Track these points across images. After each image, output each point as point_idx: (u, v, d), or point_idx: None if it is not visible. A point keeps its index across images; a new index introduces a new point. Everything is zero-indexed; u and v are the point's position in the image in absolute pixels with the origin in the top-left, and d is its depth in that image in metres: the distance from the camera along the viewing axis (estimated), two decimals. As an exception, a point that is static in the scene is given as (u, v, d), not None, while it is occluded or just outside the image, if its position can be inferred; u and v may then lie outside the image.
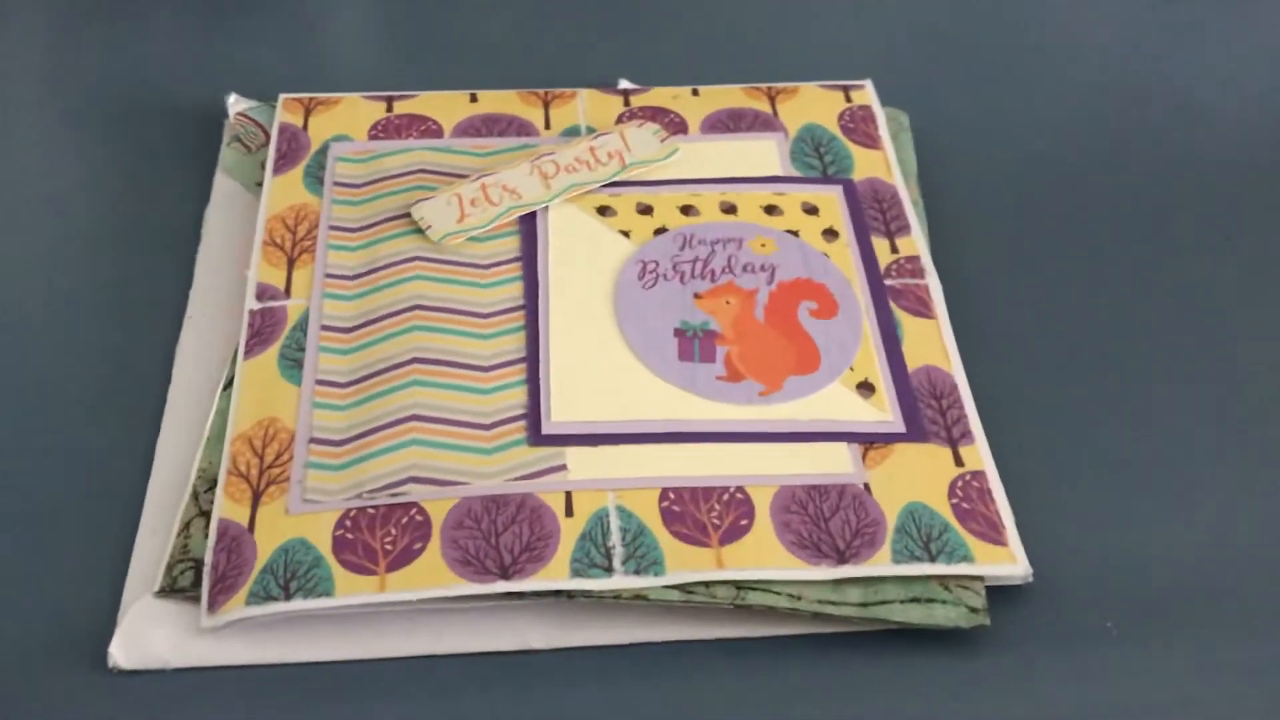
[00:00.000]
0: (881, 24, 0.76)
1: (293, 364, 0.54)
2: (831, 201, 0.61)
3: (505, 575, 0.47)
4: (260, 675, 0.47)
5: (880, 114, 0.66)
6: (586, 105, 0.66)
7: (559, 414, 0.52)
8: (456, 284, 0.57)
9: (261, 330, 0.55)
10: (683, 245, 0.59)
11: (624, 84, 0.68)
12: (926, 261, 0.59)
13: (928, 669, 0.48)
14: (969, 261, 0.61)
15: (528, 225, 0.59)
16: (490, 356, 0.54)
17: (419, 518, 0.49)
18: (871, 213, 0.61)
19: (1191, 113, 0.70)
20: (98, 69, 0.71)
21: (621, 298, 0.57)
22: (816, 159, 0.63)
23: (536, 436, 0.51)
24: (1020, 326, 0.59)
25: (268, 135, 0.64)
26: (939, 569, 0.48)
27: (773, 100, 0.66)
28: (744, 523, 0.49)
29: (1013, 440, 0.53)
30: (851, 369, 0.54)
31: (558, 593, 0.47)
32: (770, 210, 0.60)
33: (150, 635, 0.47)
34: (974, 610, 0.48)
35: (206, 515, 0.50)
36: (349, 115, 0.65)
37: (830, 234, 0.60)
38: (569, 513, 0.49)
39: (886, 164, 0.63)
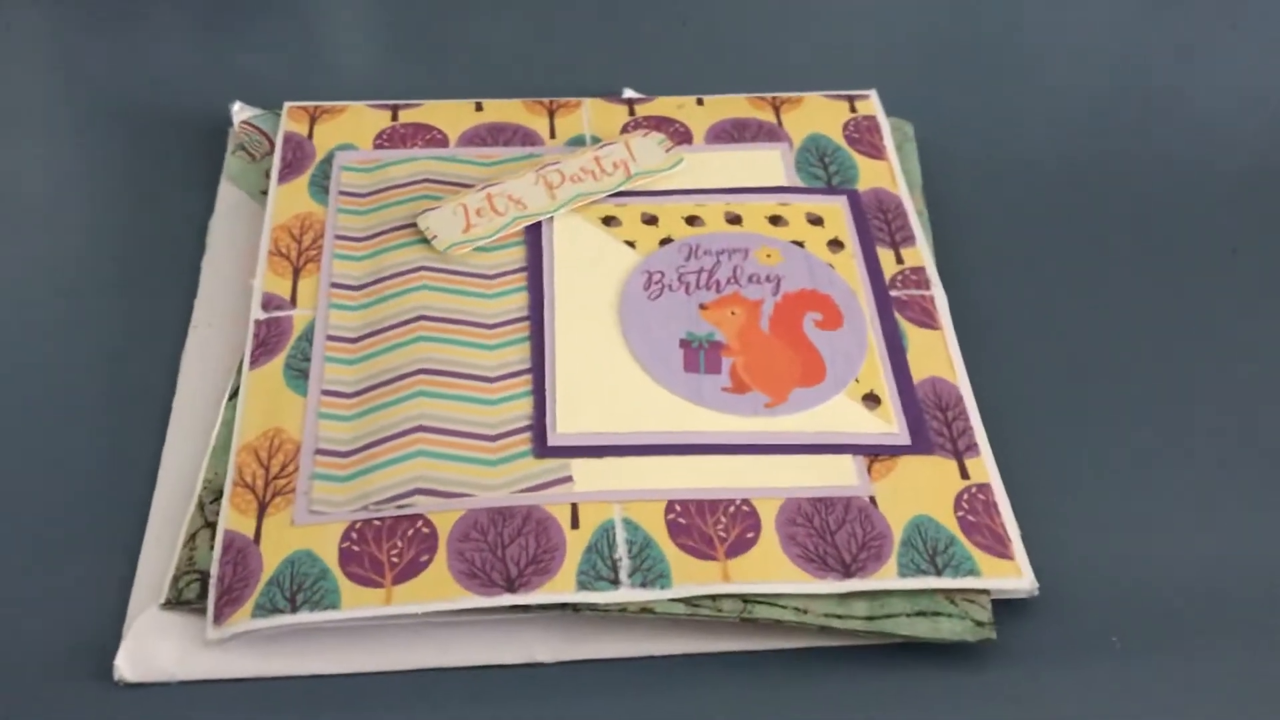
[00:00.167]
0: (886, 34, 0.76)
1: (298, 374, 0.54)
2: (836, 212, 0.61)
3: (511, 588, 0.47)
4: (266, 688, 0.47)
5: (885, 124, 0.66)
6: (591, 114, 0.66)
7: (564, 425, 0.52)
8: (462, 294, 0.57)
9: (267, 340, 0.55)
10: (688, 256, 0.59)
11: (628, 93, 0.68)
12: (931, 272, 0.59)
13: (934, 682, 0.48)
14: (973, 272, 0.61)
15: (533, 235, 0.59)
16: (495, 367, 0.54)
17: (425, 530, 0.49)
18: (876, 223, 0.61)
19: (1196, 122, 0.70)
20: (102, 77, 0.71)
21: (627, 308, 0.57)
22: (821, 169, 0.63)
23: (542, 448, 0.51)
24: (1025, 338, 0.59)
25: (272, 144, 0.64)
26: (945, 583, 0.48)
27: (777, 110, 0.66)
28: (750, 535, 0.49)
29: (1017, 452, 0.53)
30: (857, 380, 0.54)
31: (564, 605, 0.47)
32: (775, 221, 0.60)
33: (156, 647, 0.47)
34: (980, 624, 0.48)
35: (212, 527, 0.50)
36: (354, 124, 0.65)
37: (835, 244, 0.60)
38: (575, 525, 0.49)
39: (891, 174, 0.63)
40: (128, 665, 0.47)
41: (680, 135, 0.64)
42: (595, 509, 0.50)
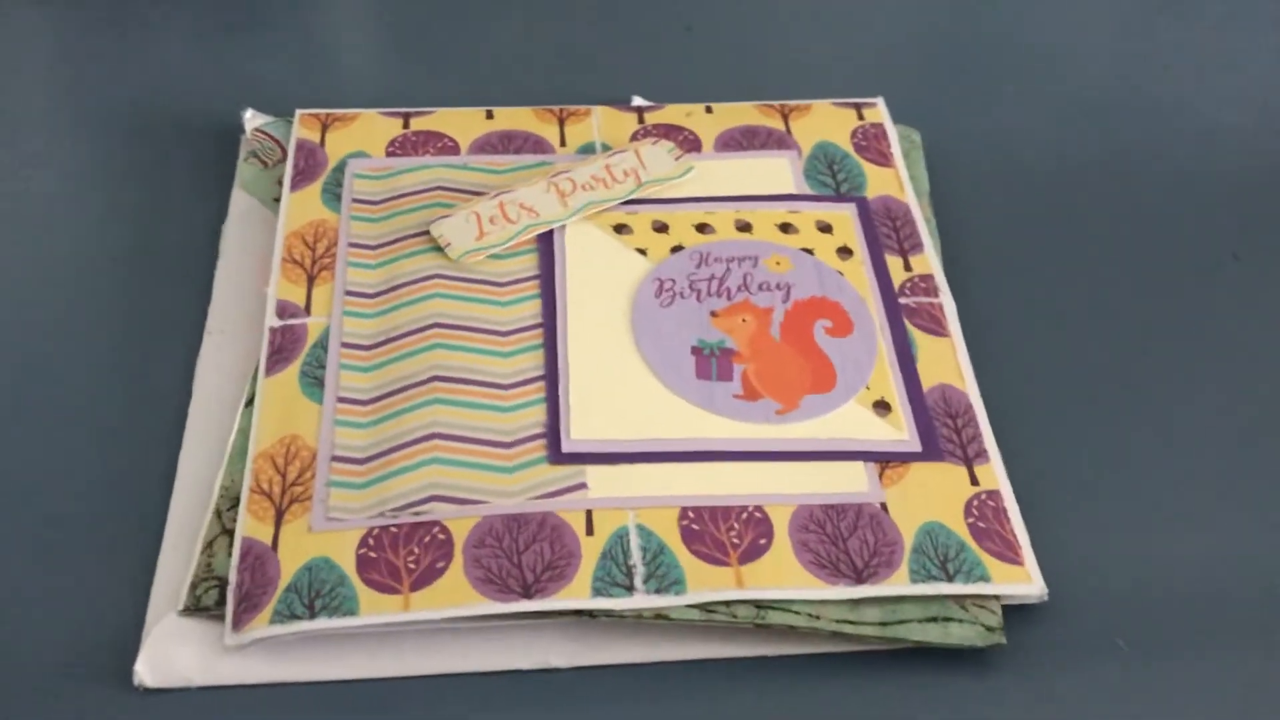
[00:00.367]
0: (893, 41, 0.76)
1: (314, 381, 0.55)
2: (845, 219, 0.62)
3: (528, 594, 0.48)
4: (285, 693, 0.47)
5: (892, 131, 0.66)
6: (601, 122, 0.66)
7: (578, 432, 0.53)
8: (476, 301, 0.57)
9: (282, 348, 0.56)
10: (699, 263, 0.59)
11: (638, 101, 0.68)
12: (940, 280, 0.60)
13: (945, 687, 0.48)
14: (981, 279, 0.61)
15: (545, 243, 0.60)
16: (510, 374, 0.55)
17: (441, 536, 0.49)
18: (885, 230, 0.61)
19: (1201, 128, 0.70)
20: (113, 85, 0.71)
21: (639, 316, 0.57)
22: (830, 177, 0.64)
23: (557, 455, 0.52)
24: (1033, 344, 0.59)
25: (284, 151, 0.65)
26: (956, 589, 0.49)
27: (785, 118, 0.67)
28: (763, 542, 0.50)
29: (1027, 458, 0.54)
30: (867, 388, 0.55)
31: (579, 611, 0.48)
32: (785, 228, 0.61)
33: (175, 653, 0.48)
34: (990, 629, 0.48)
35: (230, 533, 0.51)
36: (366, 131, 0.65)
37: (844, 252, 0.60)
38: (589, 531, 0.50)
39: (899, 181, 0.64)
40: (147, 671, 0.47)
41: (689, 143, 0.65)
42: (609, 515, 0.50)
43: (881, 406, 0.54)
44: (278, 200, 0.62)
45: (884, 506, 0.51)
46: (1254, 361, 0.59)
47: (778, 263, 0.59)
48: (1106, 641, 0.49)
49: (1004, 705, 0.48)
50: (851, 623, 0.48)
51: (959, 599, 0.49)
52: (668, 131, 0.65)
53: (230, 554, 0.50)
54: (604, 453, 0.52)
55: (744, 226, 0.61)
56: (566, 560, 0.49)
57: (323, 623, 0.47)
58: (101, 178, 0.67)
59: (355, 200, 0.62)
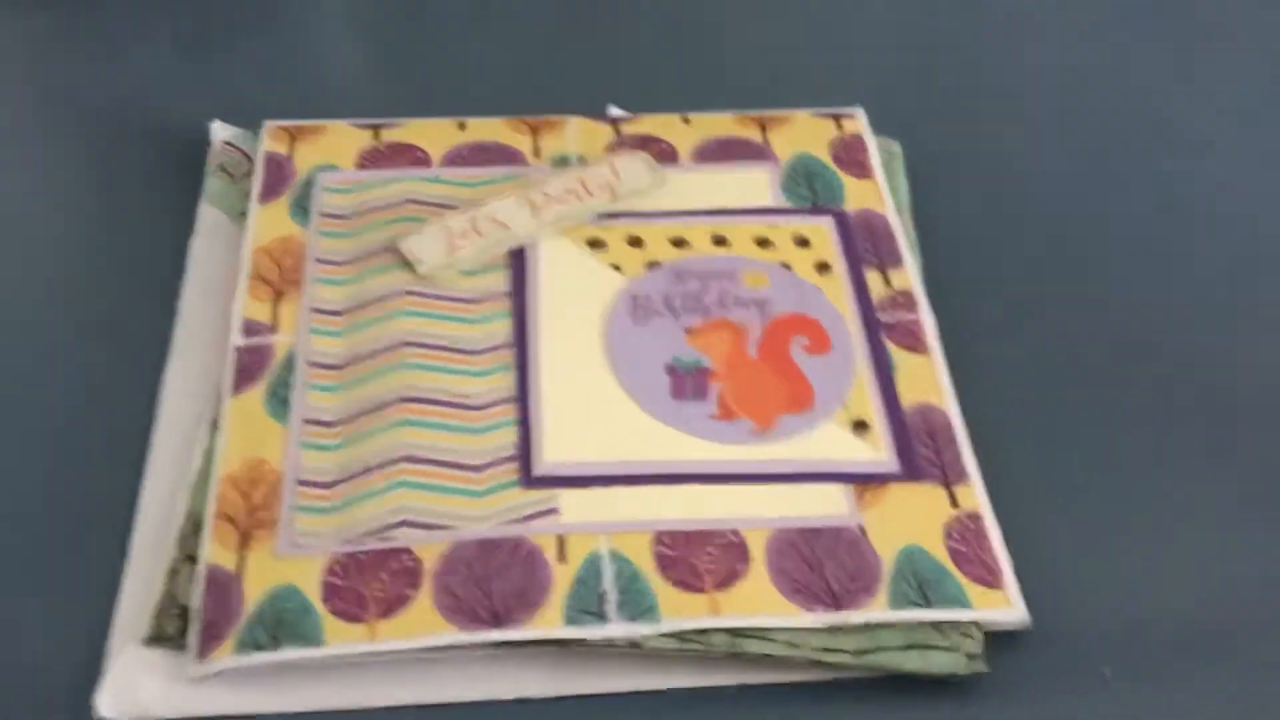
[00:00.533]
0: (873, 51, 0.75)
1: (281, 402, 0.53)
2: (823, 233, 0.61)
3: (498, 623, 0.47)
4: (250, 726, 0.46)
5: (872, 142, 0.65)
6: (575, 133, 0.65)
7: (551, 454, 0.52)
8: (446, 319, 0.56)
9: (248, 367, 0.55)
10: (674, 279, 0.58)
11: (613, 111, 0.67)
12: (919, 295, 0.59)
13: (927, 715, 0.47)
14: (961, 295, 0.60)
15: (517, 259, 0.58)
16: (482, 394, 0.54)
17: (410, 563, 0.48)
18: (864, 244, 0.60)
19: (1189, 143, 0.69)
20: (80, 95, 0.70)
21: (612, 334, 0.56)
22: (808, 189, 0.63)
23: (528, 479, 0.51)
24: (1014, 362, 0.58)
25: (252, 163, 0.64)
26: (935, 615, 0.48)
27: (763, 128, 0.66)
28: (739, 567, 0.49)
29: (1007, 479, 0.53)
30: (845, 407, 0.54)
31: (552, 640, 0.47)
32: (762, 243, 0.60)
33: (138, 684, 0.47)
34: (972, 656, 0.47)
35: (193, 560, 0.49)
36: (335, 143, 0.64)
37: (823, 267, 0.59)
38: (562, 558, 0.49)
39: (878, 193, 0.63)
40: (109, 702, 0.46)
41: (666, 154, 0.64)
42: (582, 540, 0.49)
43: (860, 426, 0.53)
44: (245, 214, 0.61)
45: (862, 529, 0.50)
46: (1245, 385, 0.58)
47: (755, 278, 0.58)
48: (1091, 669, 0.48)
49: (987, 733, 0.47)
50: (830, 650, 0.47)
51: (939, 625, 0.48)
52: (644, 142, 0.64)
53: (194, 581, 0.48)
54: (576, 475, 0.51)
55: (720, 241, 0.60)
56: (537, 588, 0.48)
57: (287, 653, 0.46)
58: (64, 190, 0.66)
59: (324, 215, 0.60)
